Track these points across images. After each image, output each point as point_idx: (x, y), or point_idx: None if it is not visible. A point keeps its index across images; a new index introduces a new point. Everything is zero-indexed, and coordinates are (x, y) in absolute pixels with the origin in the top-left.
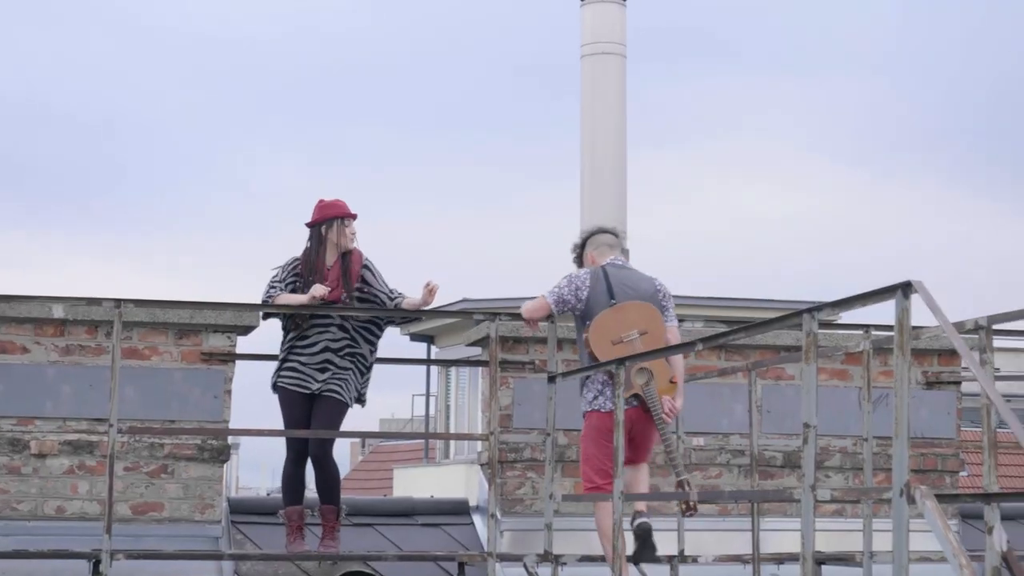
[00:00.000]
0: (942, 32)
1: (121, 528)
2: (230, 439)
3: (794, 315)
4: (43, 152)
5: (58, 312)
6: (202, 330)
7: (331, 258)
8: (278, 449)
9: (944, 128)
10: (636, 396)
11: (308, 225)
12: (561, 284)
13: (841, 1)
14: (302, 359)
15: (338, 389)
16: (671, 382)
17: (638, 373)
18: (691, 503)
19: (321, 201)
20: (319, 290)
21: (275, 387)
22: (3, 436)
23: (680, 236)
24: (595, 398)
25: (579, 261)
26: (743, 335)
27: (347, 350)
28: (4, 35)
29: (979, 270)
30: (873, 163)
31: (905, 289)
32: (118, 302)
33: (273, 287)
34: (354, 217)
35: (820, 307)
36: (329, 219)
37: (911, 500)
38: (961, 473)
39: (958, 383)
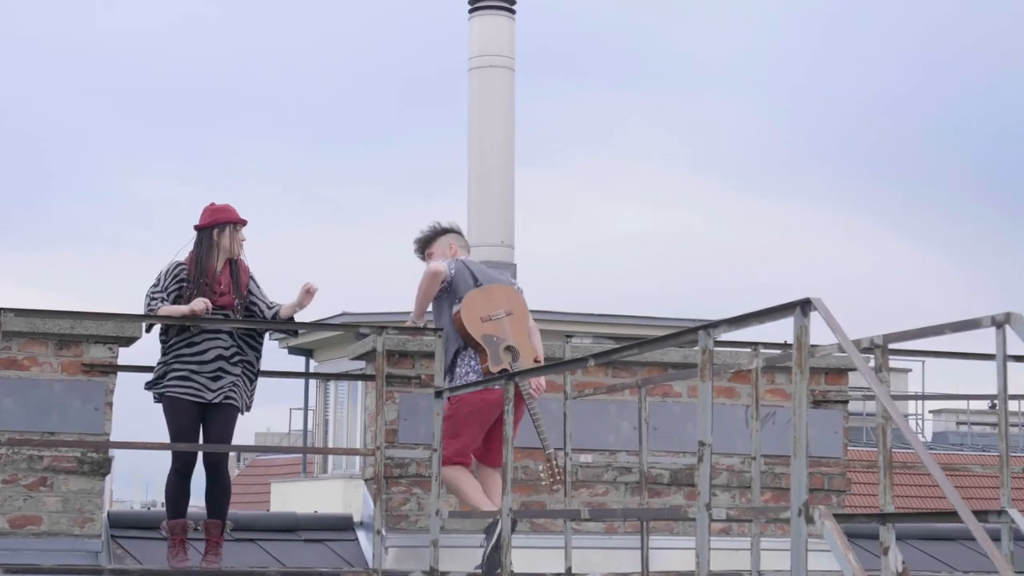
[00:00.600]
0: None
1: None
2: (109, 452)
3: (690, 331)
4: None
5: None
6: (83, 341)
7: (220, 263)
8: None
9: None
10: (503, 371)
11: (198, 228)
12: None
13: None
14: (192, 367)
15: (235, 397)
16: (535, 361)
17: (505, 352)
18: (556, 474)
19: (212, 205)
20: (199, 304)
21: (162, 396)
22: None
23: (559, 253)
24: (467, 375)
25: (423, 252)
26: (636, 351)
27: (237, 357)
28: None
29: (857, 290)
30: (748, 181)
31: (804, 306)
32: None
33: (154, 299)
34: (244, 223)
35: (717, 324)
36: (221, 223)
37: (809, 520)
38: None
39: (845, 402)
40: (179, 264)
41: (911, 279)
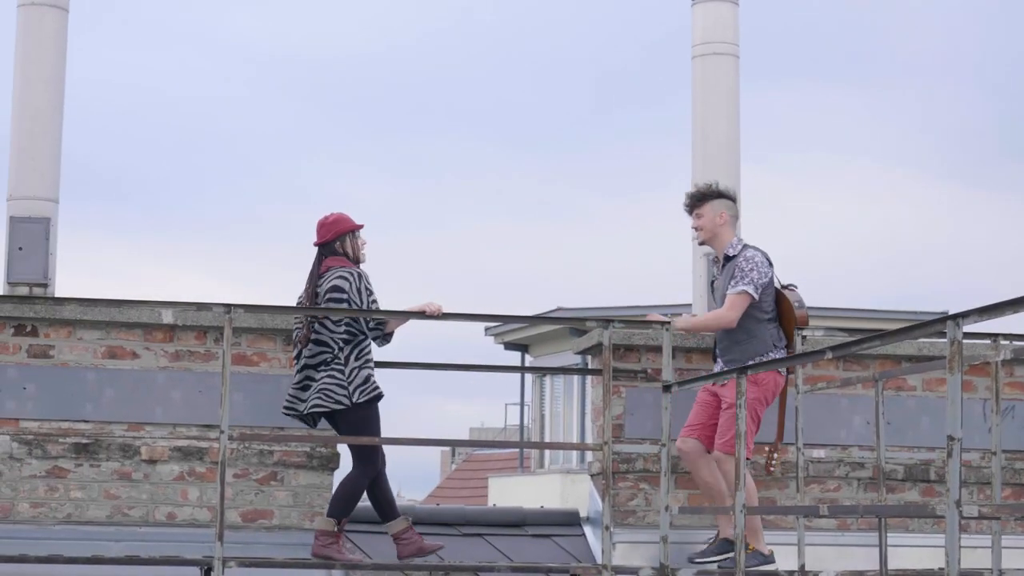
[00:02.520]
0: None
1: (231, 535)
2: (337, 447)
3: (937, 322)
4: (135, 164)
5: (167, 317)
6: None
7: None
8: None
9: None
10: None
11: (320, 244)
12: (755, 276)
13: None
14: (371, 368)
15: None
16: None
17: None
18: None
19: (327, 218)
20: (433, 306)
21: (370, 401)
22: (114, 441)
23: (781, 247)
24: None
25: (692, 209)
26: (877, 343)
27: None
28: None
29: None
30: (963, 174)
31: None
32: (228, 307)
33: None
34: (362, 227)
35: (967, 313)
36: (344, 233)
37: None
38: None
39: None
40: (361, 275)
41: None
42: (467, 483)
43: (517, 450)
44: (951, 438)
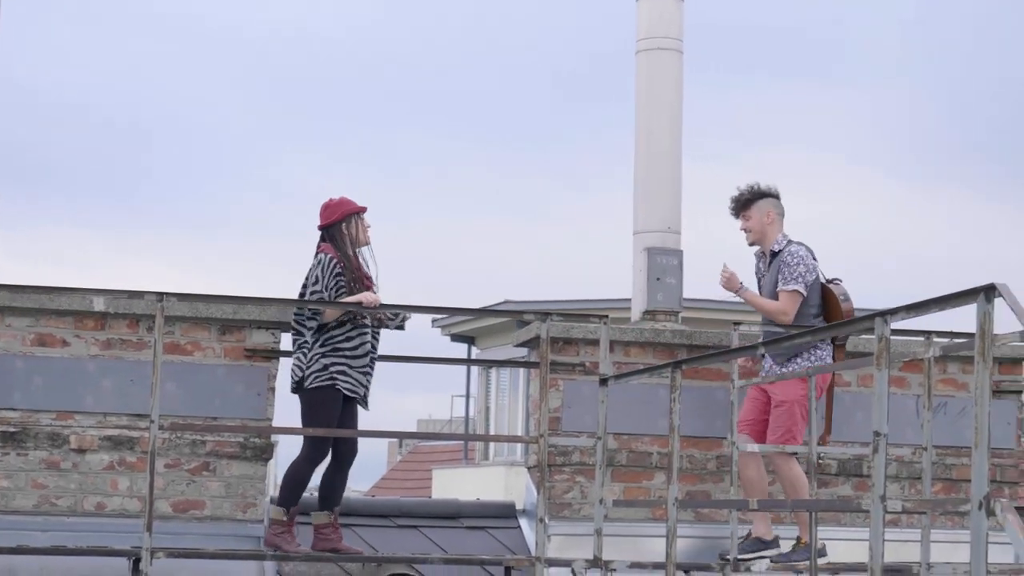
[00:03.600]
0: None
1: (161, 526)
2: (272, 437)
3: (866, 319)
4: (78, 149)
5: (99, 305)
6: (245, 326)
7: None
8: None
9: (980, 136)
10: None
11: (323, 227)
12: (802, 271)
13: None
14: (352, 363)
15: (369, 392)
16: None
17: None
18: None
19: (330, 201)
20: (370, 296)
21: (321, 388)
22: (42, 430)
23: (725, 244)
24: (825, 358)
25: (738, 212)
26: (808, 338)
27: (376, 353)
28: (44, 33)
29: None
30: (905, 171)
31: (988, 292)
32: (160, 295)
33: (322, 297)
34: (365, 210)
35: (895, 311)
36: (347, 216)
37: (991, 513)
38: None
39: (1019, 392)
40: (332, 258)
41: None
42: (411, 475)
43: (462, 442)
44: (877, 433)
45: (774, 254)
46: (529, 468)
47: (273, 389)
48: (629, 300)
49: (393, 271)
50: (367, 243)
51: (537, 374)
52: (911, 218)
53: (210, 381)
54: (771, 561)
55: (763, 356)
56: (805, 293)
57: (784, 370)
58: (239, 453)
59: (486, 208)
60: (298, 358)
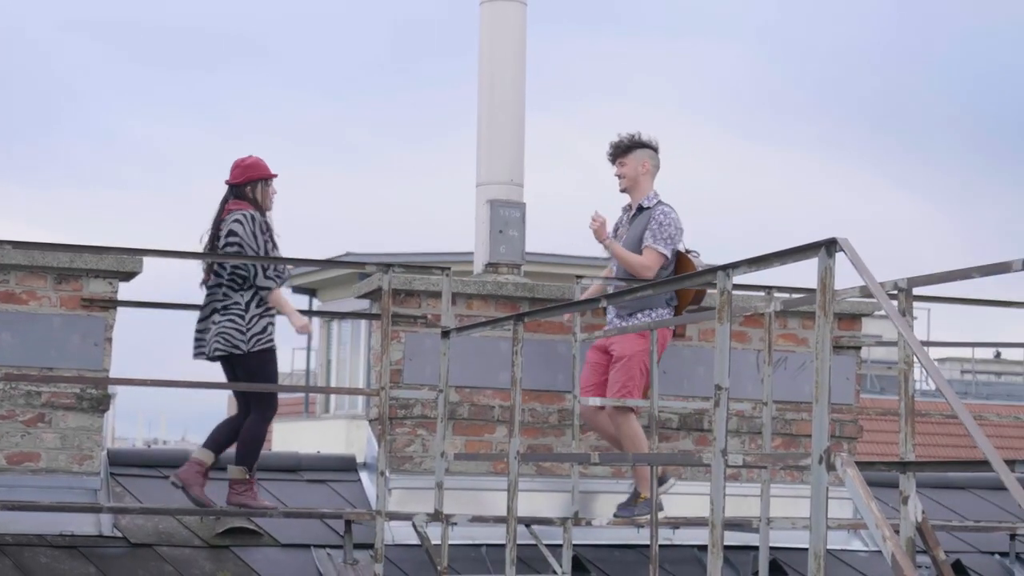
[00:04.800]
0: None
1: None
2: (109, 388)
3: (708, 272)
4: None
5: None
6: (82, 275)
7: None
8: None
9: (822, 97)
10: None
11: (231, 183)
12: (673, 234)
13: None
14: (271, 320)
15: None
16: None
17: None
18: None
19: (242, 160)
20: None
21: (265, 351)
22: None
23: (567, 197)
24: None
25: (615, 159)
26: (650, 292)
27: None
28: None
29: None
30: (749, 129)
31: (829, 247)
32: None
33: (267, 267)
34: (275, 177)
35: (736, 264)
36: (255, 180)
37: (831, 467)
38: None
39: (858, 348)
40: (255, 217)
41: (907, 229)
42: None
43: (302, 395)
44: (718, 387)
45: (641, 209)
46: (370, 421)
47: (111, 339)
48: (472, 253)
49: None
50: (269, 209)
51: (379, 326)
52: (751, 175)
53: (46, 331)
54: (613, 516)
55: (605, 310)
56: (671, 257)
57: (625, 324)
58: (75, 404)
59: (328, 159)
60: (232, 320)
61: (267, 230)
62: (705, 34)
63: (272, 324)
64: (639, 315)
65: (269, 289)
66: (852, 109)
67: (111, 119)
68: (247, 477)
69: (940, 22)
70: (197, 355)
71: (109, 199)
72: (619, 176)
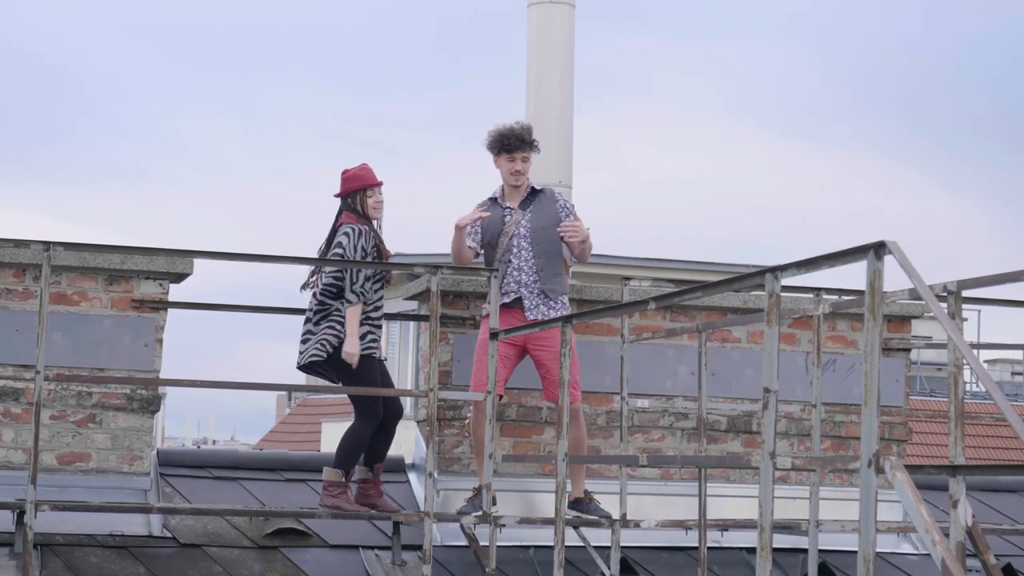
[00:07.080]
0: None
1: (46, 478)
2: (159, 389)
3: (756, 274)
4: None
5: None
6: (133, 276)
7: None
8: (207, 400)
9: (861, 95)
10: None
11: (340, 195)
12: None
13: None
14: (375, 327)
15: None
16: None
17: None
18: None
19: (347, 171)
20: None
21: (363, 357)
22: None
23: (614, 197)
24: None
25: (530, 149)
26: (699, 294)
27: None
28: None
29: (901, 239)
30: (789, 128)
31: (878, 250)
32: (47, 245)
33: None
34: (381, 184)
35: (785, 267)
36: (359, 189)
37: (880, 470)
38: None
39: (907, 350)
40: (362, 231)
41: (951, 230)
42: (301, 428)
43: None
44: (767, 390)
45: (534, 191)
46: (419, 422)
47: (161, 340)
48: None
49: (278, 224)
50: (376, 218)
51: (427, 327)
52: (800, 176)
53: (97, 332)
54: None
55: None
56: None
57: (551, 313)
58: (126, 405)
59: (369, 158)
60: (332, 327)
61: (373, 240)
62: (742, 33)
63: (372, 332)
64: (563, 298)
65: (350, 303)
66: (888, 109)
67: (145, 116)
68: (342, 480)
69: (964, 21)
70: (300, 364)
71: (162, 199)
72: (520, 172)
